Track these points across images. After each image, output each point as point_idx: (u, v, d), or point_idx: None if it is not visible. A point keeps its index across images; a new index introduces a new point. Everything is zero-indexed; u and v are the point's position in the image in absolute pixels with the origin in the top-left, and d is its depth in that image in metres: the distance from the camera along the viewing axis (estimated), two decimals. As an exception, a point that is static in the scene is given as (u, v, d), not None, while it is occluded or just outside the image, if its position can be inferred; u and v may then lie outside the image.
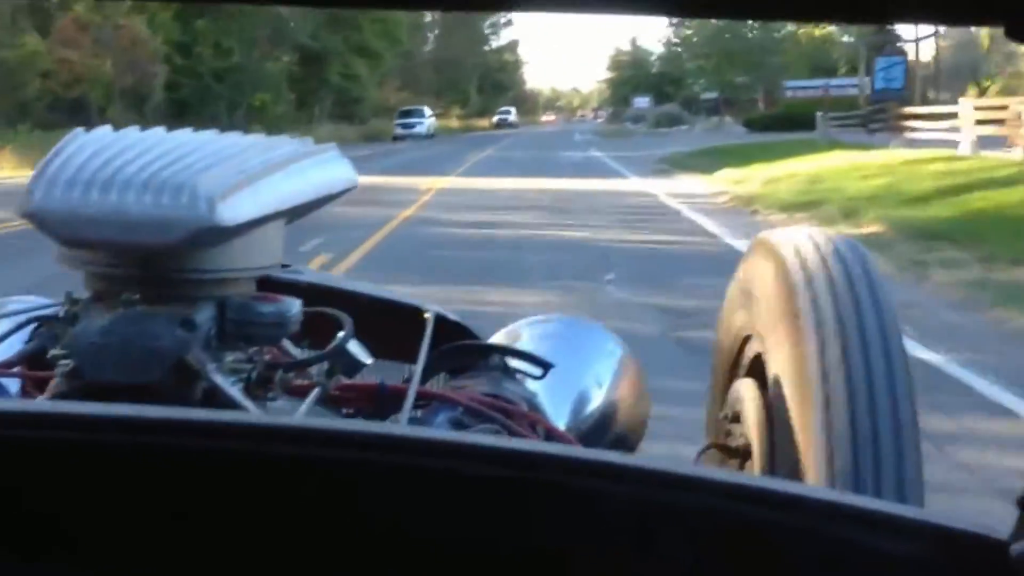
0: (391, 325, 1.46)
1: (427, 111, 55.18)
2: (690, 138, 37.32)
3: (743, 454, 1.46)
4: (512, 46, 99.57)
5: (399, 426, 1.05)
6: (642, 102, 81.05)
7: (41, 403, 0.95)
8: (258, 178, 1.02)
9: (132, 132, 1.07)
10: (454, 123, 69.96)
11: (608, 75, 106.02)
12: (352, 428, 0.58)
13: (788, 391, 1.28)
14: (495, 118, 71.96)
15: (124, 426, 0.53)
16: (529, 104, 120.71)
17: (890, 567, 0.49)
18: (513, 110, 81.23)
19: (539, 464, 0.51)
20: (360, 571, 0.52)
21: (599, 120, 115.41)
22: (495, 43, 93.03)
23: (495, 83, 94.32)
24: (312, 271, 1.58)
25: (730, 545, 0.51)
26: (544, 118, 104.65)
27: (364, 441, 0.51)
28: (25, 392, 1.14)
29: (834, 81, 47.20)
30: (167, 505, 0.52)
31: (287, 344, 1.16)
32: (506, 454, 0.52)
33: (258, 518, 0.52)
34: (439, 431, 1.09)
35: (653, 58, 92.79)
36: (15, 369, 1.16)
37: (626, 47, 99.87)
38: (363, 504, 0.51)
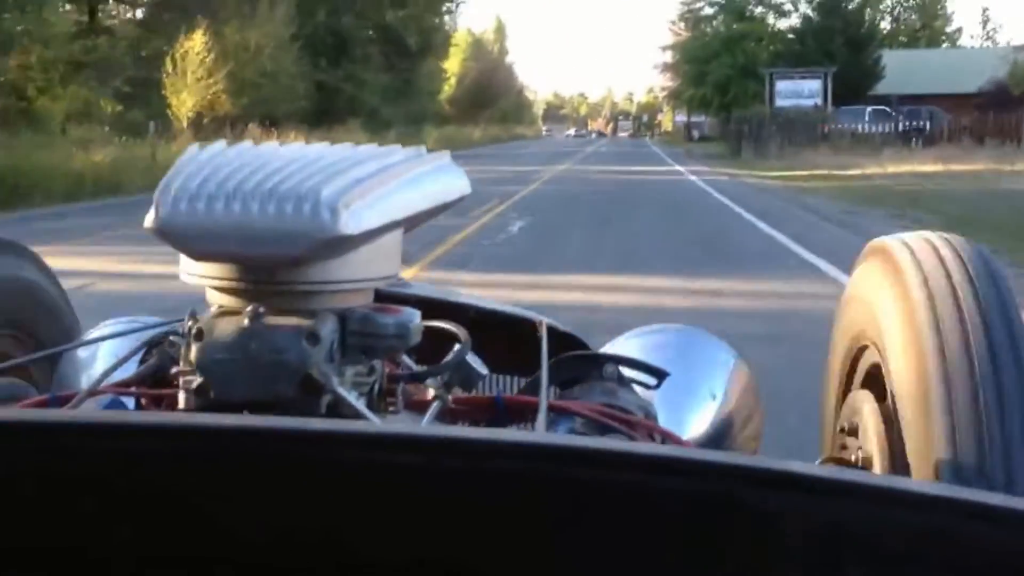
0: (501, 336, 1.46)
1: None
2: None
3: (861, 468, 1.42)
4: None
5: (535, 433, 1.04)
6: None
7: (177, 415, 0.97)
8: (377, 187, 1.03)
9: (247, 146, 1.09)
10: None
11: (661, 62, 54.06)
12: (491, 437, 0.59)
13: (909, 402, 1.23)
14: None
15: (259, 436, 0.54)
16: (519, 113, 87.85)
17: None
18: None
19: (670, 469, 0.51)
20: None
21: (623, 135, 70.65)
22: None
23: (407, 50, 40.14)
24: (418, 283, 1.59)
25: (861, 549, 0.50)
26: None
27: (503, 449, 0.52)
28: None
29: None
30: (302, 516, 0.53)
31: (404, 356, 1.17)
32: (637, 459, 0.52)
33: (390, 528, 0.52)
34: (568, 436, 1.08)
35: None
36: (132, 389, 1.17)
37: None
38: (499, 511, 0.51)
